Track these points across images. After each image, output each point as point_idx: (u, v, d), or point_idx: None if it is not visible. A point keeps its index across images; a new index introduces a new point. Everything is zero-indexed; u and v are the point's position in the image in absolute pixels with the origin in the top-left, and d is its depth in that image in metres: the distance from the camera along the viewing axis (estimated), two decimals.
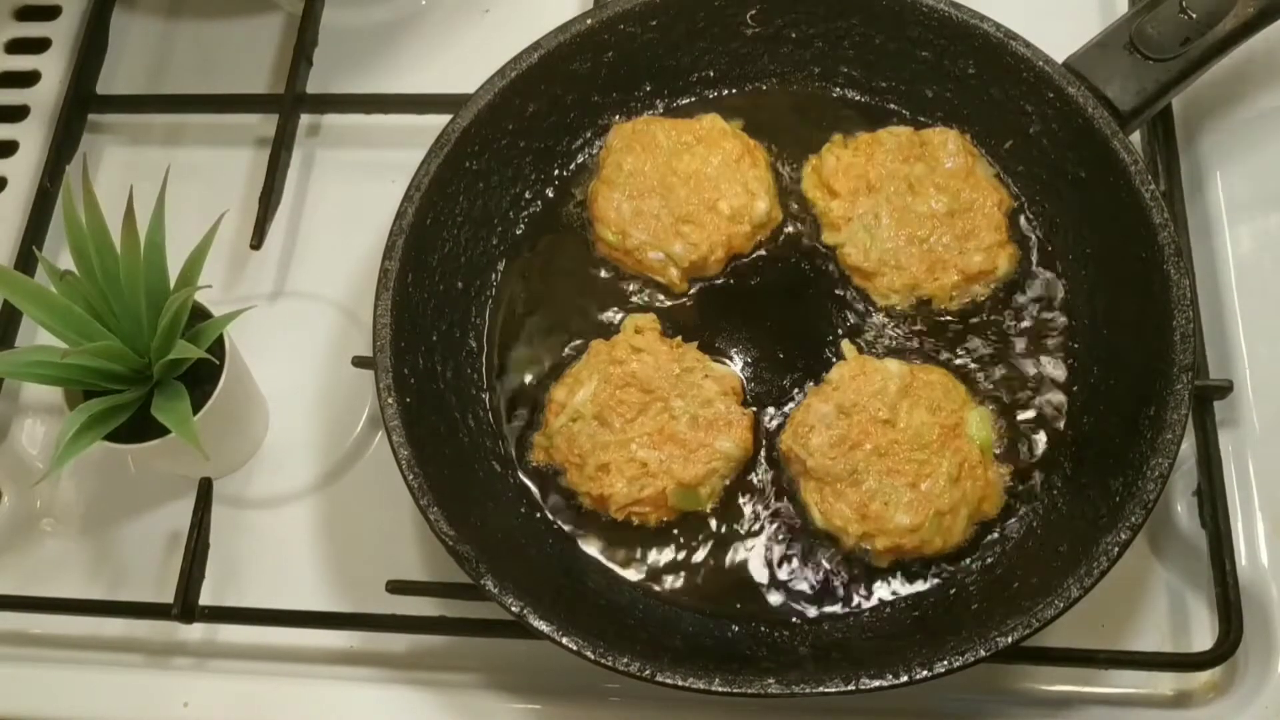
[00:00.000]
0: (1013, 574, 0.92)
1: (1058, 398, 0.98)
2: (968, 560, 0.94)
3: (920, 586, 0.94)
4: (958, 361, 1.00)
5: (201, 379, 0.96)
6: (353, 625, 0.99)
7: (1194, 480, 0.98)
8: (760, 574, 0.95)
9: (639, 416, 0.96)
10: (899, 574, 0.94)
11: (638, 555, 0.96)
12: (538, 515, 0.98)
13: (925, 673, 0.83)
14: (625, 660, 0.84)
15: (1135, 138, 1.05)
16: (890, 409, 0.94)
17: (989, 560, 0.94)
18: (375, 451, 1.06)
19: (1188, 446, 0.98)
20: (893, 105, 1.09)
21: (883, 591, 0.94)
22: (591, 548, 0.97)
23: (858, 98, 1.09)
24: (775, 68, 1.09)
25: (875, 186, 1.03)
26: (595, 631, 0.86)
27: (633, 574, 0.96)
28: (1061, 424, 0.98)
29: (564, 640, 0.85)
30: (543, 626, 0.85)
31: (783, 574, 0.95)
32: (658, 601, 0.95)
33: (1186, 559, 0.97)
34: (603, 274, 1.05)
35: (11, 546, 1.06)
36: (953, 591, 0.93)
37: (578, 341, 1.02)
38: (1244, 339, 1.03)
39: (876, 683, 0.83)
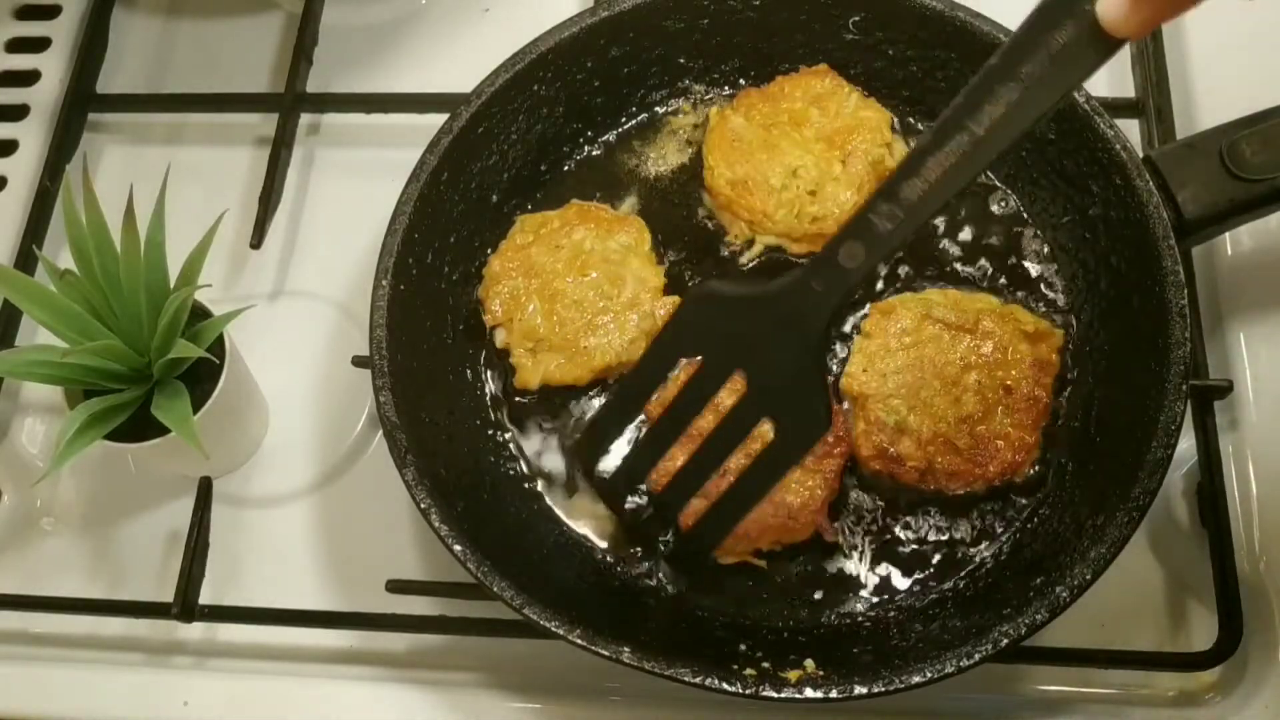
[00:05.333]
0: (1008, 576, 0.92)
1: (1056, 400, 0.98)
2: (962, 565, 0.94)
3: (916, 586, 0.94)
4: None
5: (201, 378, 0.96)
6: (352, 624, 0.99)
7: (1194, 480, 0.98)
8: (759, 577, 0.95)
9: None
10: (898, 572, 0.94)
11: (641, 550, 0.96)
12: (537, 507, 0.98)
13: (923, 677, 0.83)
14: (630, 654, 0.84)
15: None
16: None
17: (985, 563, 0.94)
18: (375, 451, 1.06)
19: (1188, 446, 0.98)
20: None
21: (882, 592, 0.94)
22: (592, 542, 0.97)
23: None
24: (865, 80, 1.08)
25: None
26: (599, 626, 0.86)
27: (637, 569, 0.96)
28: (1061, 426, 0.98)
29: (572, 636, 0.85)
30: (549, 623, 0.85)
31: (782, 576, 0.95)
32: (661, 600, 0.95)
33: (1186, 559, 0.97)
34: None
35: (11, 546, 1.06)
36: (949, 594, 0.93)
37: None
38: (1244, 339, 1.03)
39: (876, 687, 0.83)
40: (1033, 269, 1.03)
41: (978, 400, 0.96)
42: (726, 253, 1.06)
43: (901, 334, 0.98)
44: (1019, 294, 1.02)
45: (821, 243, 1.03)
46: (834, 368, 1.01)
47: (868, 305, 1.01)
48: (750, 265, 1.05)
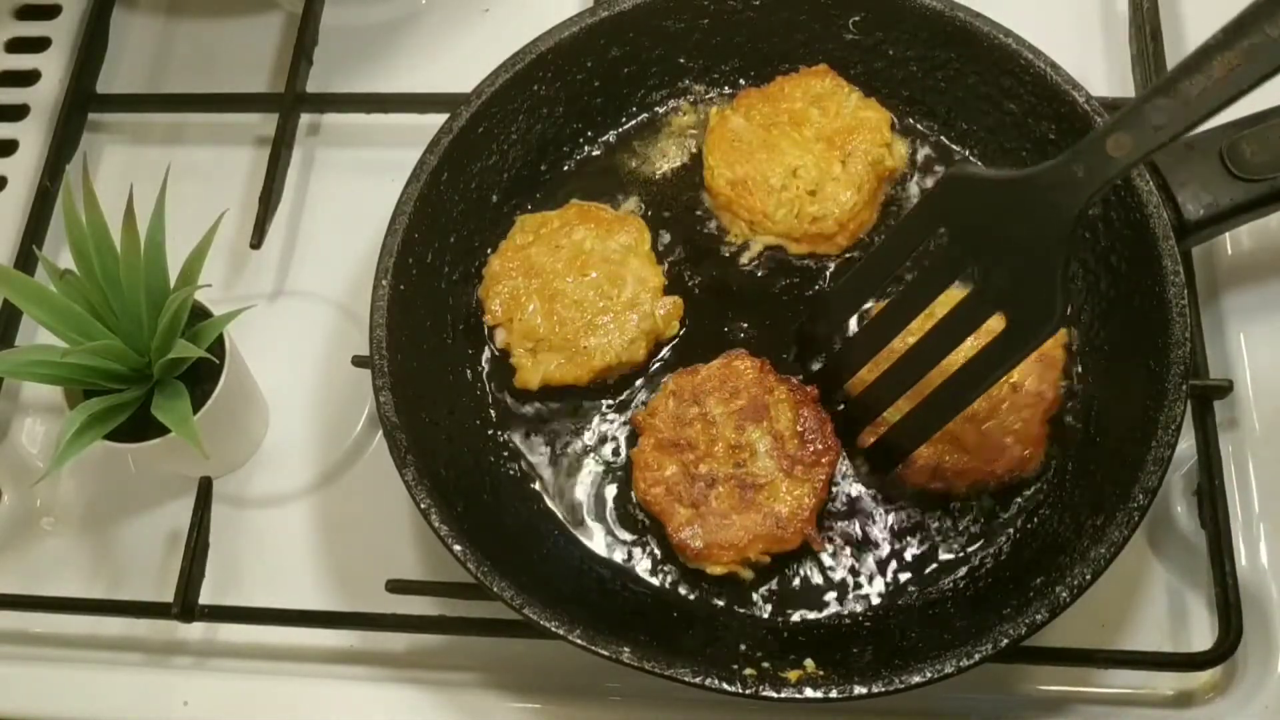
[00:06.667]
0: (1008, 576, 0.92)
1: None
2: (962, 565, 0.94)
3: (916, 586, 0.94)
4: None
5: (201, 378, 0.96)
6: (352, 624, 0.99)
7: (1194, 480, 0.98)
8: (755, 582, 0.95)
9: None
10: (897, 573, 0.94)
11: (641, 551, 0.97)
12: (537, 507, 0.98)
13: (923, 677, 0.83)
14: (630, 654, 0.84)
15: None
16: None
17: (985, 563, 0.94)
18: (375, 451, 1.06)
19: (1188, 446, 0.98)
20: (968, 152, 1.07)
21: (881, 592, 0.94)
22: (592, 542, 0.97)
23: (936, 132, 1.08)
24: (865, 80, 1.08)
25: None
26: (599, 626, 0.86)
27: (637, 569, 0.96)
28: (1061, 426, 0.97)
29: (572, 636, 0.85)
30: (549, 623, 0.85)
31: (778, 574, 0.95)
32: (660, 600, 0.95)
33: (1186, 559, 0.97)
34: None
35: (11, 546, 1.06)
36: (949, 594, 0.93)
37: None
38: (1244, 339, 1.03)
39: (876, 687, 0.83)
40: None
41: (984, 398, 0.96)
42: (727, 253, 1.06)
43: (906, 334, 0.98)
44: None
45: (822, 243, 1.04)
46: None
47: (871, 302, 1.01)
48: (750, 265, 1.05)
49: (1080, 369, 0.99)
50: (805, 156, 1.05)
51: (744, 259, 1.06)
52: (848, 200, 1.03)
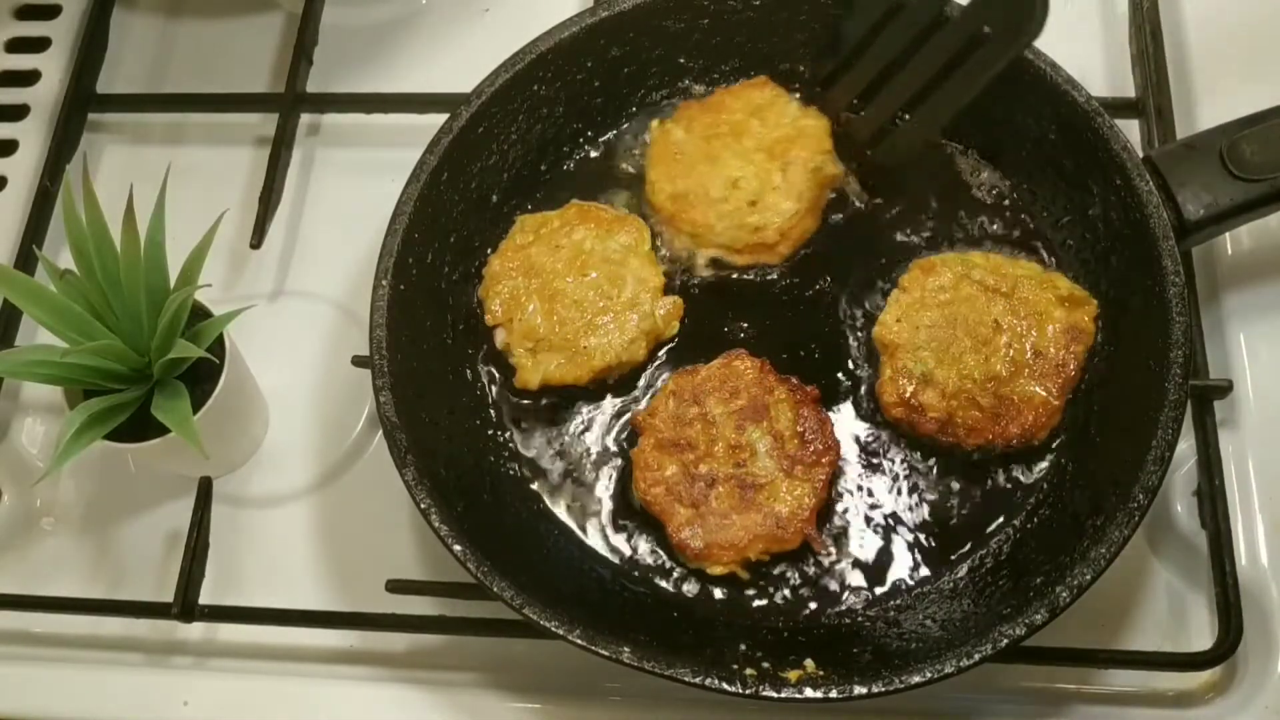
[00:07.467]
0: (1007, 576, 0.92)
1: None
2: (962, 565, 0.94)
3: (915, 586, 0.94)
4: None
5: (201, 378, 0.96)
6: (352, 624, 0.99)
7: (1194, 480, 0.98)
8: (755, 582, 0.95)
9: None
10: (896, 573, 0.94)
11: (641, 551, 0.97)
12: (537, 507, 0.98)
13: (923, 677, 0.83)
14: (630, 654, 0.84)
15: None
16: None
17: (985, 563, 0.94)
18: (375, 451, 1.06)
19: (1188, 446, 0.98)
20: (969, 151, 1.07)
21: (880, 592, 0.94)
22: (592, 542, 0.97)
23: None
24: None
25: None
26: (599, 626, 0.86)
27: (636, 569, 0.96)
28: (1061, 426, 0.98)
29: (572, 636, 0.85)
30: (549, 623, 0.85)
31: (778, 574, 0.95)
32: (661, 600, 0.95)
33: (1186, 559, 0.97)
34: None
35: (11, 546, 1.06)
36: (948, 594, 0.93)
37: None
38: (1244, 339, 1.03)
39: (876, 687, 0.83)
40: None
41: (1006, 362, 0.96)
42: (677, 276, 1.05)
43: (939, 290, 0.99)
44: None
45: (764, 253, 1.04)
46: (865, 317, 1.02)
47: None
48: (697, 282, 1.04)
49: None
50: (746, 167, 1.04)
51: (691, 277, 1.05)
52: (788, 209, 1.03)
